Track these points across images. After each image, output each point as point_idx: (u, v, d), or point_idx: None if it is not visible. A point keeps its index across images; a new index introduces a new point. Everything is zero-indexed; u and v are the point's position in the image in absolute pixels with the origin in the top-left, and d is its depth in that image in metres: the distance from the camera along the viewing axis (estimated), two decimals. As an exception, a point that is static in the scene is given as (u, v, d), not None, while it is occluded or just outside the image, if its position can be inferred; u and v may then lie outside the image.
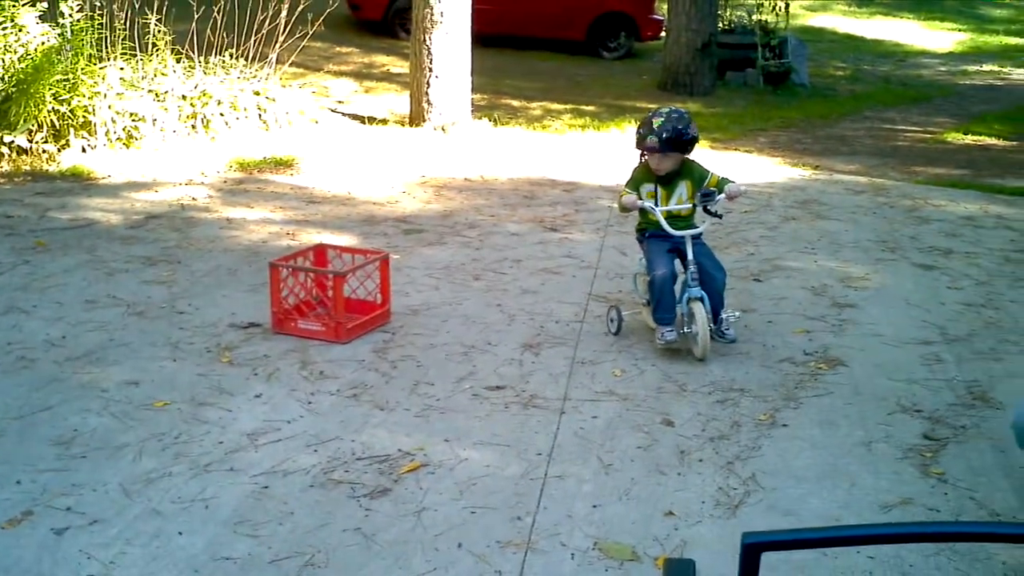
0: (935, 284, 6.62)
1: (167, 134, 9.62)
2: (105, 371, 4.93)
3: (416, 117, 11.53)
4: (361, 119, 11.95)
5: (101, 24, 9.70)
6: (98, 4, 9.65)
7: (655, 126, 5.22)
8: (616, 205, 5.48)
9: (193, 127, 9.91)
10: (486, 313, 5.89)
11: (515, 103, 13.82)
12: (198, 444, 4.24)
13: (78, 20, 9.46)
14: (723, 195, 5.27)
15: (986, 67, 20.70)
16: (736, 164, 10.27)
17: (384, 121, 11.87)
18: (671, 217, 5.33)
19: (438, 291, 6.23)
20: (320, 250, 5.90)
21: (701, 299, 5.20)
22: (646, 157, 5.38)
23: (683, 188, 5.39)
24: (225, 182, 8.77)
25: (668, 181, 5.38)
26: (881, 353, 5.44)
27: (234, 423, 4.43)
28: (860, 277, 6.71)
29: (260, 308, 5.70)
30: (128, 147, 9.36)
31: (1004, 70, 20.48)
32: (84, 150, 9.13)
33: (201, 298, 5.96)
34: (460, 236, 7.42)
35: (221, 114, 10.14)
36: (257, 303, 5.82)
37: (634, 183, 5.42)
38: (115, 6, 9.77)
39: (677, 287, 5.32)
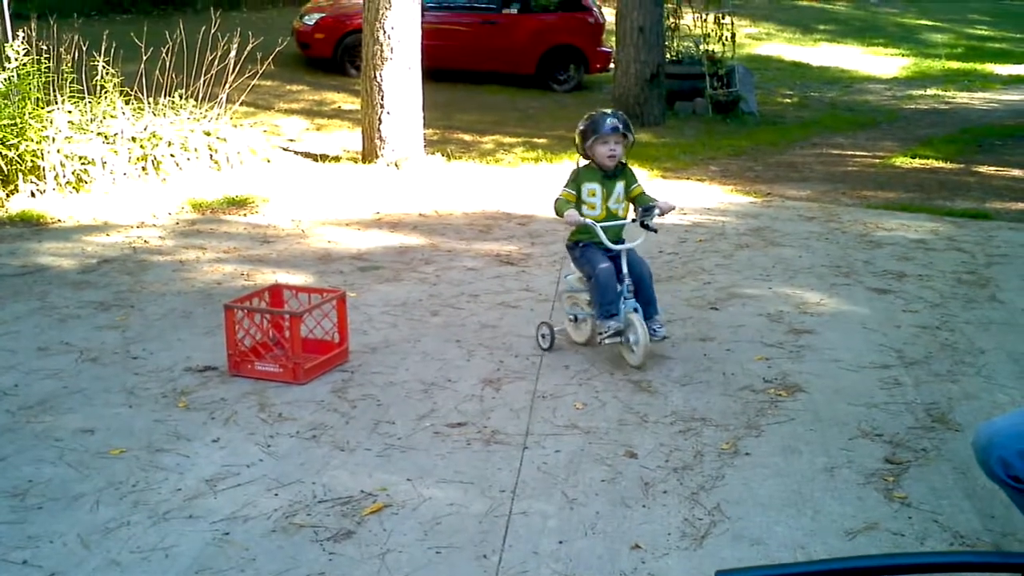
0: (890, 308, 6.67)
1: (117, 177, 9.55)
2: (59, 419, 4.85)
3: (369, 154, 11.52)
4: (313, 157, 11.92)
5: (48, 68, 9.62)
6: (45, 47, 9.58)
7: (609, 112, 5.71)
8: (554, 207, 5.69)
9: (144, 169, 9.85)
10: (445, 349, 5.86)
11: (467, 137, 13.84)
12: (156, 492, 4.17)
13: (24, 64, 9.38)
14: (658, 211, 5.62)
15: (930, 91, 20.99)
16: (688, 193, 10.33)
17: (337, 158, 11.85)
18: (607, 219, 5.63)
19: (396, 328, 6.20)
20: (276, 290, 5.86)
21: (636, 310, 5.50)
22: (592, 156, 5.67)
23: (620, 187, 5.70)
24: (177, 224, 8.70)
25: (610, 177, 5.67)
26: (840, 378, 5.47)
27: (192, 469, 4.37)
28: (816, 303, 6.74)
29: (216, 351, 5.64)
30: (78, 191, 9.28)
31: (948, 94, 20.78)
32: (33, 195, 9.03)
33: (155, 342, 5.89)
34: (417, 272, 7.39)
35: (172, 155, 10.08)
36: (213, 346, 5.76)
37: (575, 182, 5.68)
38: (62, 49, 9.69)
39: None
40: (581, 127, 5.68)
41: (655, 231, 5.78)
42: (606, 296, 5.49)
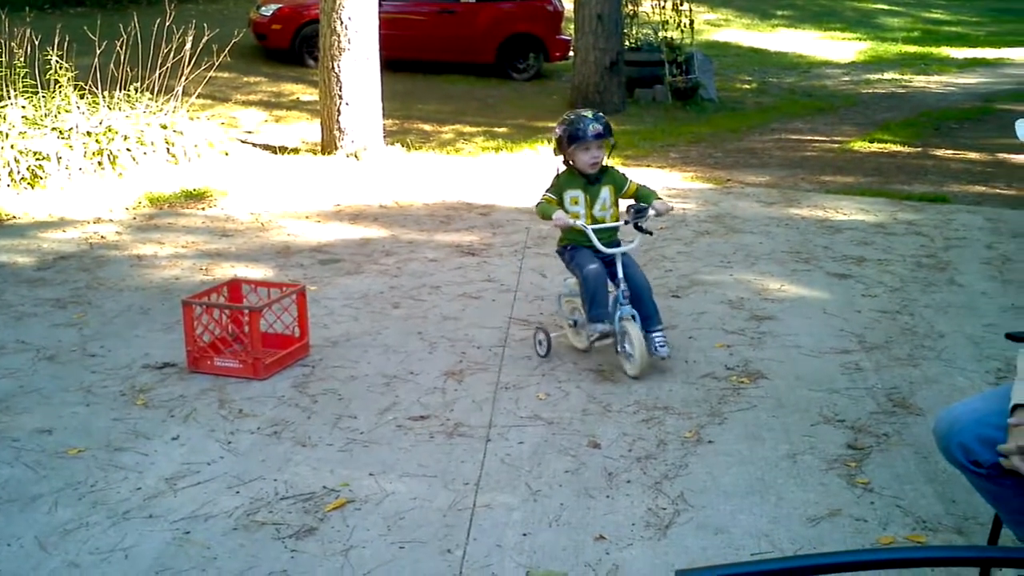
0: (850, 293, 6.70)
1: (73, 172, 9.43)
2: (16, 419, 4.78)
3: (328, 145, 11.45)
4: (272, 149, 11.84)
5: (0, 62, 9.48)
6: (-4, 42, 9.45)
7: (590, 116, 5.27)
8: (536, 211, 5.42)
9: (100, 164, 9.73)
10: (407, 342, 5.83)
11: (427, 127, 13.79)
12: (115, 491, 4.12)
13: (-25, 59, 9.25)
14: (653, 211, 5.30)
15: (887, 75, 21.13)
16: (648, 180, 10.27)
17: (296, 150, 11.78)
18: (599, 230, 5.28)
19: (357, 321, 6.16)
20: (234, 285, 5.80)
21: (633, 317, 5.20)
22: (572, 160, 5.33)
23: (606, 193, 5.38)
24: (135, 219, 8.61)
25: (593, 182, 5.35)
26: (801, 364, 5.48)
27: (152, 468, 4.32)
28: (776, 289, 6.76)
29: (175, 347, 5.58)
30: (33, 187, 9.16)
31: (905, 78, 20.92)
32: (-13, 191, 8.91)
33: (113, 340, 5.82)
34: (377, 264, 7.35)
35: (128, 149, 9.97)
36: (171, 342, 5.70)
37: (557, 189, 5.38)
38: (14, 43, 9.56)
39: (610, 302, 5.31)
40: (559, 132, 5.33)
41: (650, 233, 5.49)
42: (595, 298, 5.22)
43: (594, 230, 5.23)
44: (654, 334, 5.27)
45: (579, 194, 5.35)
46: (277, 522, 3.88)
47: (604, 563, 3.63)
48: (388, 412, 4.88)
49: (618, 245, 5.36)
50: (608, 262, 5.29)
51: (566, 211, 5.31)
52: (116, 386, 5.18)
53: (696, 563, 3.60)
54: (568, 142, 5.28)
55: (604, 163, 5.40)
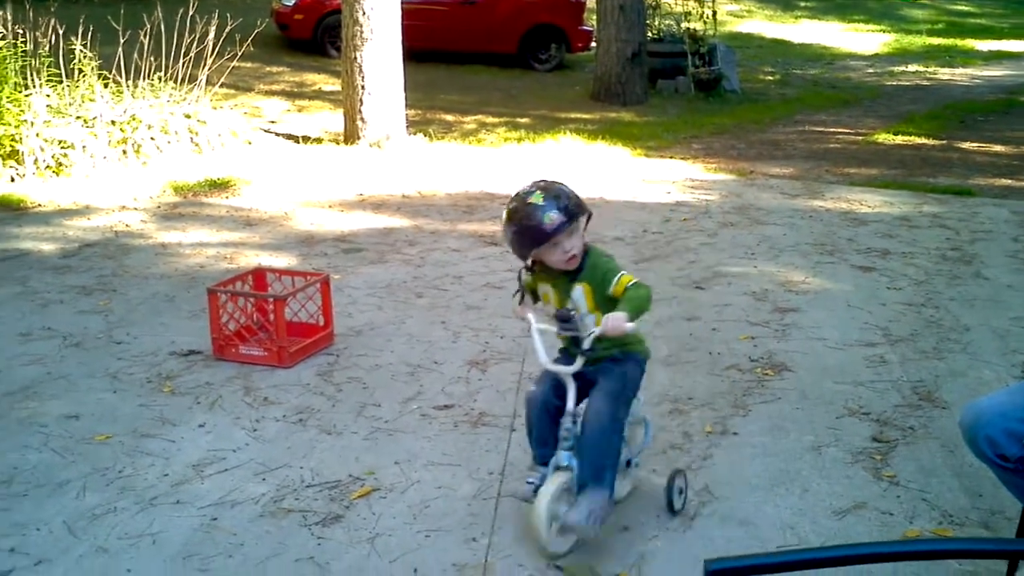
0: (875, 285, 6.68)
1: (97, 160, 9.47)
2: (44, 405, 4.81)
3: (350, 135, 11.46)
4: (295, 138, 11.86)
5: (25, 51, 9.53)
6: (21, 31, 9.49)
7: (540, 201, 3.45)
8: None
9: (124, 152, 9.77)
10: (430, 331, 5.83)
11: (449, 117, 13.79)
12: (143, 477, 4.14)
13: (1, 48, 9.28)
14: (599, 330, 3.45)
15: (912, 67, 21.03)
16: (672, 171, 10.31)
17: (318, 140, 11.79)
18: (548, 331, 3.71)
19: (381, 310, 6.17)
20: (259, 274, 5.82)
21: (567, 468, 3.56)
22: (542, 260, 3.62)
23: (580, 293, 3.62)
24: (159, 207, 8.64)
25: (572, 277, 3.63)
26: (826, 356, 5.47)
27: (179, 454, 4.34)
28: (801, 281, 6.74)
29: (200, 335, 5.60)
30: (58, 175, 9.21)
31: (929, 70, 20.81)
32: (12, 179, 8.96)
33: (139, 327, 5.85)
34: (401, 254, 7.36)
35: (152, 138, 10.01)
36: (197, 330, 5.72)
37: (529, 283, 3.78)
38: (39, 32, 9.60)
39: None
40: (506, 234, 3.58)
41: (585, 353, 3.52)
42: (530, 433, 3.77)
43: (541, 330, 3.68)
44: (581, 497, 3.49)
45: (549, 290, 3.71)
46: (303, 509, 3.90)
47: (629, 554, 3.63)
48: (412, 401, 4.89)
49: (573, 361, 3.60)
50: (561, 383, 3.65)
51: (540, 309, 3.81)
52: (142, 373, 5.20)
53: (721, 555, 3.60)
54: (527, 245, 3.53)
55: (584, 247, 3.61)
